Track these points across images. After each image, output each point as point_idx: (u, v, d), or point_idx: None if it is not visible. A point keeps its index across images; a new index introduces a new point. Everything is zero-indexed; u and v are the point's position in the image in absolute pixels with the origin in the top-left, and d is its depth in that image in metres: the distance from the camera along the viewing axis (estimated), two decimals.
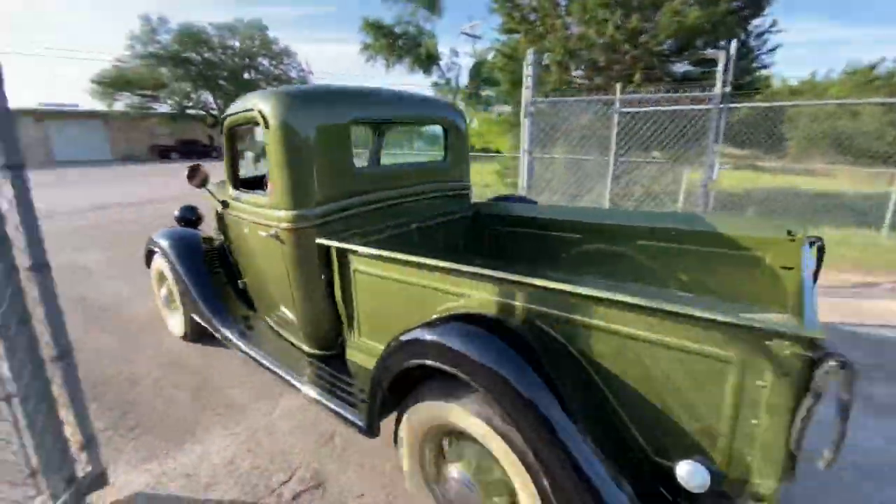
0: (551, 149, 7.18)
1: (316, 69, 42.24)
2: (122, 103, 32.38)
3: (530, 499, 1.31)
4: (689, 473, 1.17)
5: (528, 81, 4.50)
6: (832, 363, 0.94)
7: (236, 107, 2.49)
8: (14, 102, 1.72)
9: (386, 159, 3.49)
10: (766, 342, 1.02)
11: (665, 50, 9.03)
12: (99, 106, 31.69)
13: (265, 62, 37.88)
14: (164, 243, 3.15)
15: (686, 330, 1.14)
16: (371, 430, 1.80)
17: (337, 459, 2.33)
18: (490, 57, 14.80)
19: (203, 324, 2.99)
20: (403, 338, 1.58)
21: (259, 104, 2.13)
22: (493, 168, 12.19)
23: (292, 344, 2.53)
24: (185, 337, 3.44)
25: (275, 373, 2.33)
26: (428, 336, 1.49)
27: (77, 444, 1.99)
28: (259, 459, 2.36)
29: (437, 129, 2.88)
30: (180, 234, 3.26)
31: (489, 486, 1.52)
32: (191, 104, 35.49)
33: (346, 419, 1.91)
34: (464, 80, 21.23)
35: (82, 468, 2.02)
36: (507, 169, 10.55)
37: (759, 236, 1.99)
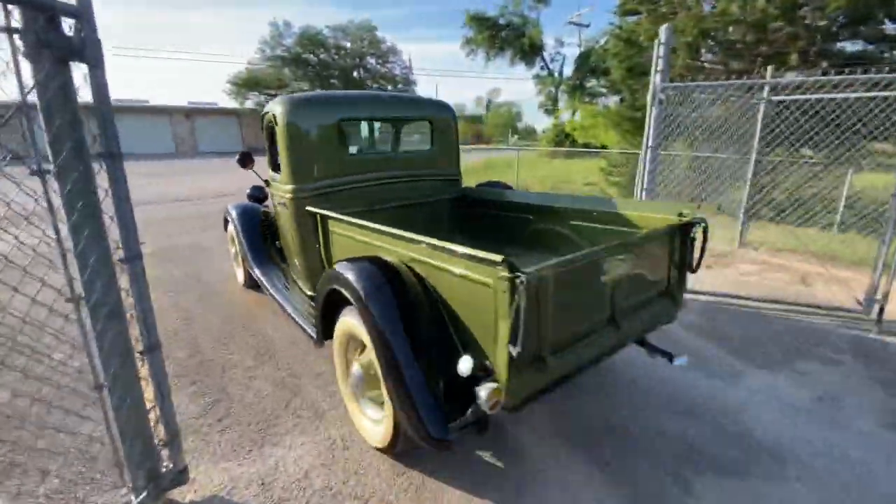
0: (671, 144, 6.18)
1: (417, 66, 43.39)
2: (251, 101, 36.53)
3: (386, 388, 1.87)
4: (462, 363, 1.62)
5: (659, 64, 3.77)
6: (520, 280, 1.43)
7: (265, 110, 3.06)
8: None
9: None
10: (495, 269, 1.51)
11: (831, 25, 7.33)
12: (232, 104, 36.08)
13: (372, 61, 39.90)
14: (233, 213, 4.08)
15: (471, 266, 1.65)
16: (318, 339, 2.49)
17: (413, 498, 2.04)
18: (602, 43, 13.62)
19: (250, 272, 3.83)
20: (329, 271, 2.21)
21: (274, 108, 2.84)
22: (597, 164, 11.20)
23: (299, 287, 3.31)
24: (244, 284, 4.28)
25: (281, 305, 3.10)
26: (339, 269, 2.09)
27: (161, 440, 1.95)
28: (333, 478, 2.16)
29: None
30: (244, 207, 4.12)
31: (370, 379, 2.15)
32: None
33: (304, 329, 2.73)
34: (568, 71, 19.98)
35: (164, 464, 1.98)
36: (615, 167, 9.54)
37: (661, 216, 2.37)
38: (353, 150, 3.62)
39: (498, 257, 1.48)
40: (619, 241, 2.00)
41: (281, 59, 36.07)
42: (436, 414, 1.70)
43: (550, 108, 21.97)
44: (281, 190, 2.95)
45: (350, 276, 1.98)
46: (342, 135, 3.01)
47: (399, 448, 2.07)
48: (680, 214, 2.27)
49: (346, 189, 2.94)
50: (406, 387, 1.73)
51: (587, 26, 22.31)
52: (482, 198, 3.50)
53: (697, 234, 2.23)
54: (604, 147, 13.44)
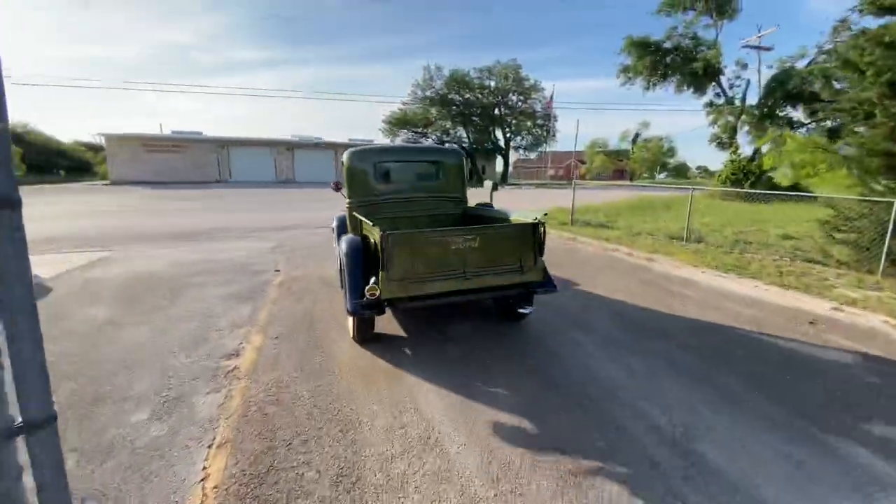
0: None
1: (557, 101, 42.40)
2: (401, 138, 39.90)
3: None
4: (371, 279, 3.31)
5: None
6: (385, 236, 3.08)
7: (343, 157, 4.90)
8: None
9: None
10: (380, 232, 3.07)
11: None
12: (385, 140, 39.75)
13: (514, 98, 40.29)
14: (334, 223, 5.47)
15: (375, 232, 3.23)
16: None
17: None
18: (805, 65, 10.59)
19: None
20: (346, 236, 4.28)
21: (344, 156, 4.87)
22: (808, 213, 8.34)
23: None
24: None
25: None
26: (348, 236, 4.27)
27: None
28: None
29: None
30: (340, 216, 5.38)
31: None
32: (448, 139, 40.85)
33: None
34: (752, 98, 16.58)
35: None
36: (849, 220, 6.78)
37: (528, 221, 3.67)
38: (381, 180, 4.88)
39: (379, 227, 3.16)
40: (466, 228, 3.79)
41: (430, 100, 38.87)
42: (354, 300, 3.36)
43: (726, 140, 18.39)
44: (345, 202, 4.80)
45: (348, 238, 4.03)
46: (376, 171, 4.77)
47: (357, 336, 3.82)
48: (536, 219, 3.61)
49: (377, 203, 4.70)
50: (348, 288, 3.50)
51: (769, 49, 18.48)
52: (475, 213, 4.94)
53: (541, 231, 3.58)
54: (800, 189, 10.22)
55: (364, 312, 3.34)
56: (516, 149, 44.12)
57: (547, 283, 3.73)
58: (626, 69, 16.24)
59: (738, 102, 16.00)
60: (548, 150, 45.49)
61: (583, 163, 59.60)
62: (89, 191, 26.45)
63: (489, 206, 5.24)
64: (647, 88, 16.23)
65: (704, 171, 61.85)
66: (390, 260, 3.08)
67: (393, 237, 3.06)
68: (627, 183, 50.75)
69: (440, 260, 3.25)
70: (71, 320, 4.32)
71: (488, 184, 11.59)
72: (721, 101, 16.09)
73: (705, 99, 16.14)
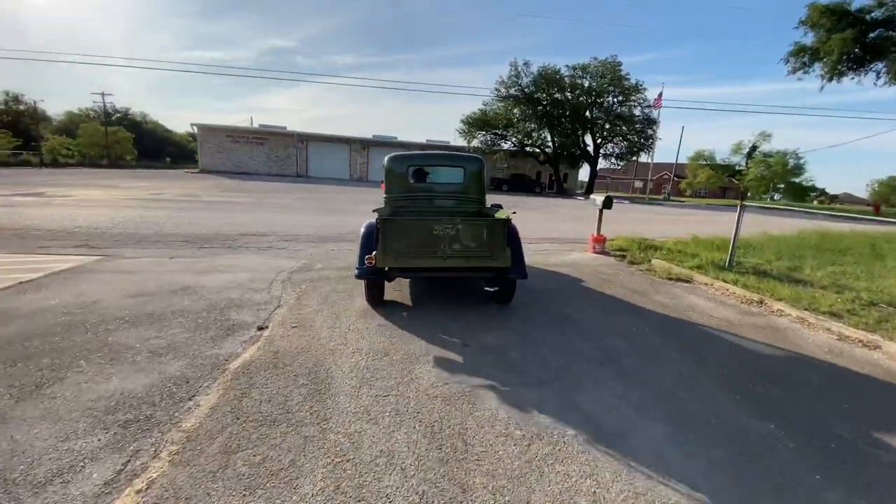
0: None
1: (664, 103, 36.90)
2: (478, 140, 37.17)
3: None
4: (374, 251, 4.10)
5: None
6: (382, 220, 3.95)
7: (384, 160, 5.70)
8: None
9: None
10: (380, 216, 4.04)
11: None
12: (460, 142, 37.29)
13: (611, 99, 35.77)
14: (362, 230, 5.15)
15: (377, 217, 4.16)
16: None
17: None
18: None
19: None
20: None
21: (385, 159, 5.61)
22: None
23: None
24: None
25: None
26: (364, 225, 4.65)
27: None
28: None
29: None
30: (369, 223, 5.31)
31: None
32: (530, 142, 37.35)
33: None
34: None
35: None
36: None
37: (499, 217, 4.29)
38: (414, 180, 5.63)
39: (379, 213, 4.18)
40: (446, 218, 4.11)
41: (514, 99, 35.75)
42: (360, 267, 4.14)
43: None
44: (384, 198, 5.59)
45: (367, 222, 4.54)
46: (410, 172, 5.56)
47: (368, 297, 4.52)
48: (507, 217, 4.21)
49: (410, 199, 5.49)
50: (358, 258, 4.20)
51: None
52: (487, 212, 5.34)
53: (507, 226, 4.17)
54: None
55: (367, 276, 4.19)
56: (606, 157, 39.36)
57: (513, 270, 4.32)
58: (802, 50, 11.86)
59: None
60: (649, 159, 39.91)
61: (678, 177, 52.42)
62: (177, 177, 27.05)
63: (499, 206, 5.54)
64: (831, 78, 11.76)
65: (822, 193, 50.79)
66: (385, 238, 3.90)
67: (387, 222, 3.93)
68: (756, 204, 43.46)
69: (424, 242, 3.99)
70: None
71: (596, 198, 8.44)
72: None
73: None
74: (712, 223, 18.15)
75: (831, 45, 10.78)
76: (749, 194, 50.29)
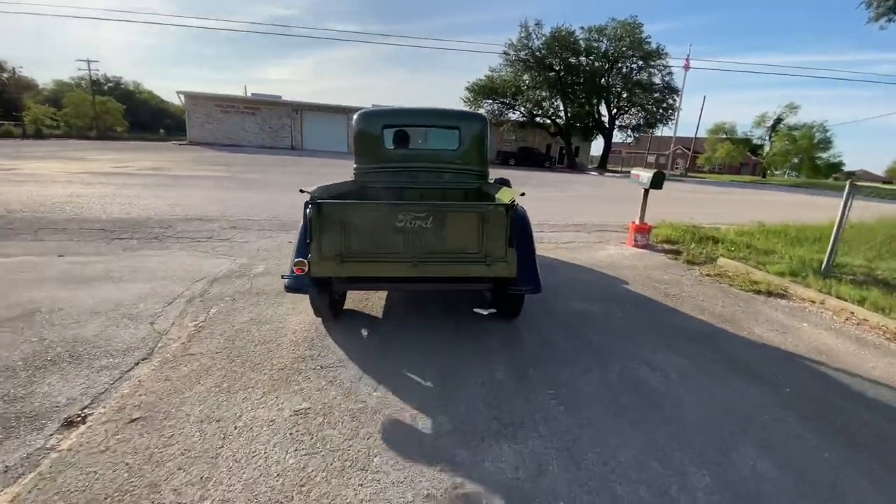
0: None
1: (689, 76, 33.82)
2: (484, 110, 34.55)
3: None
4: None
5: None
6: (311, 203, 2.48)
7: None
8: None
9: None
10: (310, 197, 2.57)
11: None
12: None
13: (629, 65, 32.84)
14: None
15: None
16: None
17: None
18: None
19: None
20: None
21: (353, 119, 4.32)
22: None
23: None
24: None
25: None
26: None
27: None
28: None
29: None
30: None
31: None
32: (540, 112, 34.70)
33: None
34: None
35: None
36: None
37: (501, 202, 2.74)
38: (393, 146, 4.34)
39: (310, 193, 2.56)
40: (416, 203, 2.78)
41: (524, 63, 32.88)
42: (291, 275, 2.78)
43: None
44: (354, 170, 4.33)
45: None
46: (386, 135, 4.28)
47: (315, 312, 3.26)
48: (512, 199, 2.66)
49: (386, 171, 4.27)
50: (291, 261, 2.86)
51: None
52: (487, 191, 3.94)
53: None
54: None
55: (299, 290, 2.82)
56: (622, 129, 36.57)
57: (522, 281, 2.89)
58: None
59: None
60: (671, 131, 36.84)
61: (695, 153, 49.40)
62: (162, 149, 25.02)
63: (505, 182, 4.68)
64: None
65: (838, 170, 45.21)
66: (320, 233, 2.53)
67: (317, 206, 2.49)
68: (732, 178, 41.04)
69: (382, 239, 2.60)
70: None
71: (641, 174, 6.49)
72: None
73: None
74: (752, 203, 16.08)
75: None
76: (771, 170, 47.47)
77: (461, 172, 4.27)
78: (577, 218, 8.70)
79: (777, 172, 46.78)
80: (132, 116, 56.46)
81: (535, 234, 3.24)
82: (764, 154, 46.16)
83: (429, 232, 2.57)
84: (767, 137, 45.57)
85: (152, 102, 70.64)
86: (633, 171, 6.34)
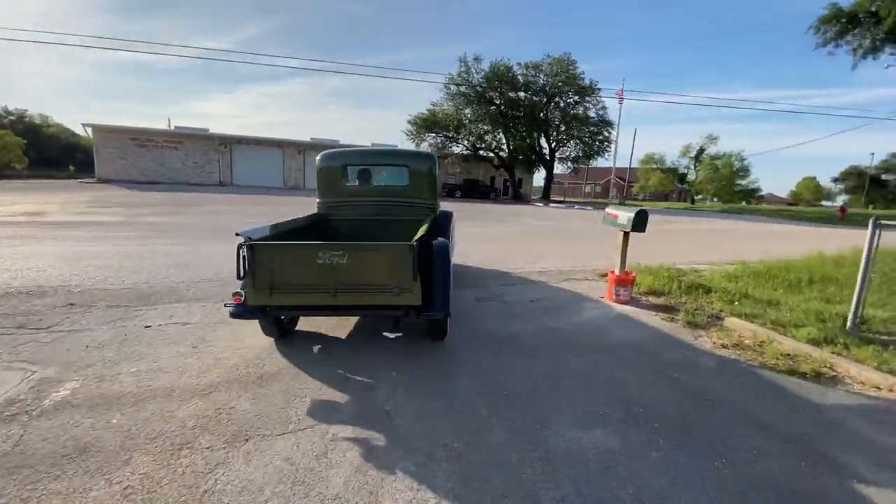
0: None
1: (620, 114, 35.51)
2: (426, 144, 33.94)
3: None
4: None
5: None
6: (242, 244, 2.94)
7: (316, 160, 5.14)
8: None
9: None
10: (243, 240, 3.01)
11: None
12: (409, 146, 33.82)
13: (566, 99, 33.89)
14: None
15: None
16: None
17: None
18: None
19: None
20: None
21: (316, 158, 5.04)
22: None
23: None
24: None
25: None
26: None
27: None
28: None
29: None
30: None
31: None
32: (483, 145, 34.69)
33: None
34: None
35: None
36: None
37: (408, 242, 3.12)
38: (352, 183, 5.01)
39: (243, 237, 2.97)
40: (334, 244, 3.01)
41: (464, 97, 32.90)
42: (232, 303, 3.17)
43: None
44: (317, 204, 5.05)
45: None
46: (347, 173, 4.94)
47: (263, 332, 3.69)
48: (413, 242, 2.97)
49: (346, 205, 4.93)
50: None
51: None
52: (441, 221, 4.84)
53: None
54: None
55: (240, 317, 3.20)
56: (562, 160, 37.46)
57: (433, 307, 3.15)
58: (836, 16, 9.62)
59: None
60: (610, 162, 37.88)
61: (630, 182, 52.05)
62: (60, 188, 21.42)
63: (448, 215, 5.30)
64: (865, 54, 9.74)
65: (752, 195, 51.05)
66: (253, 268, 2.97)
67: (254, 249, 2.95)
68: (714, 209, 43.53)
69: (307, 274, 3.01)
70: None
71: (619, 214, 5.41)
72: None
73: None
74: (709, 234, 15.99)
75: (887, 6, 8.84)
76: (698, 196, 50.89)
77: (413, 206, 4.90)
78: (541, 262, 7.52)
79: (698, 198, 50.18)
80: (37, 152, 50.53)
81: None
82: (691, 182, 49.47)
83: (344, 267, 2.97)
84: (693, 166, 49.06)
85: (62, 137, 63.83)
86: (608, 210, 5.25)
